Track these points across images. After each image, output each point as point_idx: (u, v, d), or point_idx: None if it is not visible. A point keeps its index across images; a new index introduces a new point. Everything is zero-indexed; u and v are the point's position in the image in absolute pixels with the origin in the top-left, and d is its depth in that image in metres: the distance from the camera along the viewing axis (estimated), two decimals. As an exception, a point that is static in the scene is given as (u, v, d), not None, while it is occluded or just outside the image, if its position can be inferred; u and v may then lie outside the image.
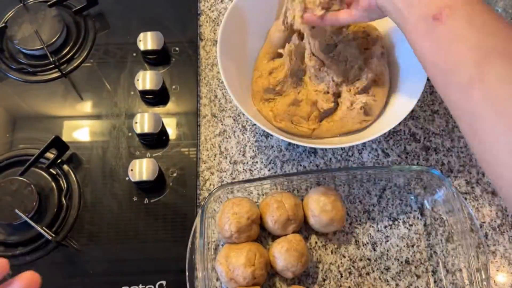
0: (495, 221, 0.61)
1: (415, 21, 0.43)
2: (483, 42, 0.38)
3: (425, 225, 0.61)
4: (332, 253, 0.60)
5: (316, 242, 0.60)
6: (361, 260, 0.60)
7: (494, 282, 0.58)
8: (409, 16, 0.44)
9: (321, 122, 0.62)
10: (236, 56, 0.63)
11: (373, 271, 0.59)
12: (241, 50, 0.65)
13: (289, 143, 0.65)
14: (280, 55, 0.63)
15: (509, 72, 0.37)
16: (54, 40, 0.69)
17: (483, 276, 0.53)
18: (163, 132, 0.65)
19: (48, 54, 0.68)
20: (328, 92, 0.61)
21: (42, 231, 0.58)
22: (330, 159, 0.65)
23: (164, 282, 0.58)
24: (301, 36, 0.60)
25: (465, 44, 0.39)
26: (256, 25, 0.65)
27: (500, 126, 0.36)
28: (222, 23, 0.61)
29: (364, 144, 0.66)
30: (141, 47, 0.68)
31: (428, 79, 0.57)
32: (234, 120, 0.68)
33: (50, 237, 0.58)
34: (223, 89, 0.69)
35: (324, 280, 0.58)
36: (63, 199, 0.62)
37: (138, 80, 0.65)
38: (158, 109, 0.68)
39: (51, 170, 0.64)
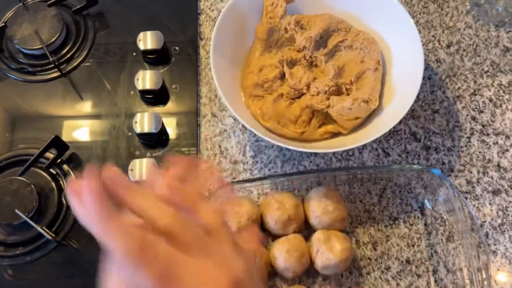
0: (496, 221, 0.61)
1: None
2: None
3: (425, 224, 0.61)
4: (332, 252, 0.60)
5: (316, 242, 0.60)
6: (361, 259, 0.60)
7: (495, 282, 0.58)
8: None
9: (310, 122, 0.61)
10: (231, 57, 0.63)
11: (374, 271, 0.59)
12: (236, 50, 0.64)
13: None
14: (269, 49, 0.64)
15: None
16: (53, 39, 0.69)
17: (484, 276, 0.53)
18: (163, 131, 0.65)
19: (48, 54, 0.68)
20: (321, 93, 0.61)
21: (42, 231, 0.58)
22: (331, 158, 0.65)
23: (164, 282, 0.58)
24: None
25: None
26: (252, 26, 0.64)
27: None
28: (217, 23, 0.61)
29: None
30: (141, 46, 0.68)
31: (423, 78, 0.57)
32: (234, 119, 0.67)
33: (50, 237, 0.58)
34: (223, 88, 0.69)
35: (324, 280, 0.58)
36: (63, 199, 0.62)
37: (138, 79, 0.65)
38: (158, 109, 0.68)
39: (51, 170, 0.64)
